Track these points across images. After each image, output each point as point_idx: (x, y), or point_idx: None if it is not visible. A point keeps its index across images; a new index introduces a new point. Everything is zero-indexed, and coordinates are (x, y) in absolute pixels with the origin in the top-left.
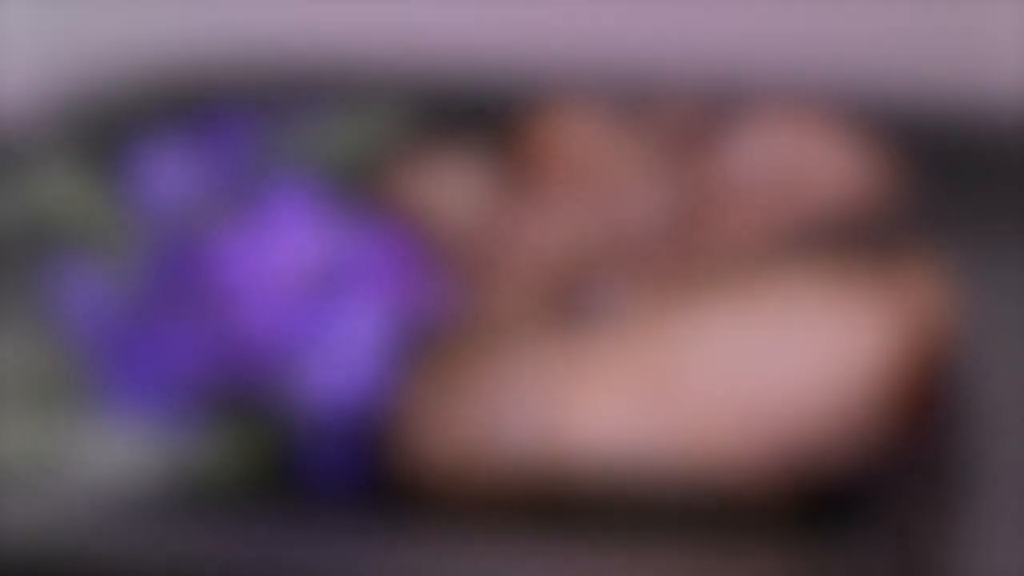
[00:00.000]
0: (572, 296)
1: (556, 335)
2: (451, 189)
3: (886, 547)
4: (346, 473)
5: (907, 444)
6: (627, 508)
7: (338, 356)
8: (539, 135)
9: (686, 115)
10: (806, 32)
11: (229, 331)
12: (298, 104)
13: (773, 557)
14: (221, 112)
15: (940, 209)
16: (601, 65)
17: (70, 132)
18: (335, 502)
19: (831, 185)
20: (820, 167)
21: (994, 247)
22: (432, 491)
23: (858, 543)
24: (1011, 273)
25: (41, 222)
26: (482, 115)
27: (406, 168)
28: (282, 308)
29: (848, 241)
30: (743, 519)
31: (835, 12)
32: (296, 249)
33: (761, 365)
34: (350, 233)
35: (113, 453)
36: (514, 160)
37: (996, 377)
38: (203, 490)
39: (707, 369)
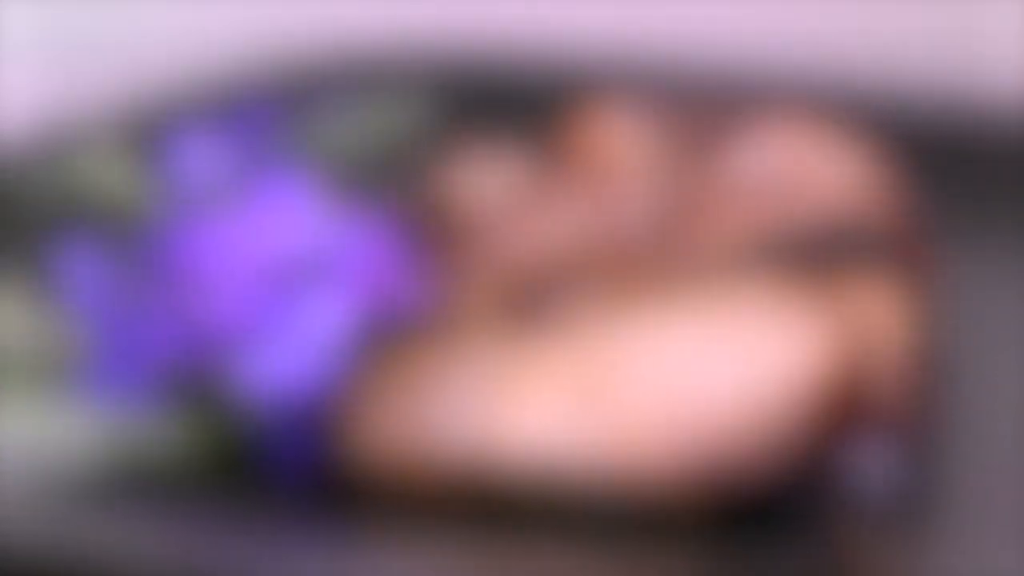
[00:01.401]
0: (533, 296)
1: (508, 334)
2: (474, 182)
3: (810, 558)
4: (295, 466)
5: (837, 457)
6: (557, 510)
7: (296, 348)
8: (567, 131)
9: (694, 117)
10: (806, 32)
11: (194, 318)
12: (328, 94)
13: (700, 565)
14: (249, 103)
15: (939, 209)
16: (618, 63)
17: (94, 125)
18: (283, 494)
19: (828, 189)
20: (818, 172)
21: (993, 247)
22: (373, 486)
23: (782, 554)
24: (1010, 273)
25: (58, 204)
26: (514, 108)
27: (432, 160)
28: (248, 297)
29: (812, 252)
30: (671, 525)
31: (835, 12)
32: (277, 239)
33: (696, 373)
34: (337, 226)
35: (71, 435)
36: (542, 156)
37: (991, 376)
38: (156, 476)
39: (643, 375)
